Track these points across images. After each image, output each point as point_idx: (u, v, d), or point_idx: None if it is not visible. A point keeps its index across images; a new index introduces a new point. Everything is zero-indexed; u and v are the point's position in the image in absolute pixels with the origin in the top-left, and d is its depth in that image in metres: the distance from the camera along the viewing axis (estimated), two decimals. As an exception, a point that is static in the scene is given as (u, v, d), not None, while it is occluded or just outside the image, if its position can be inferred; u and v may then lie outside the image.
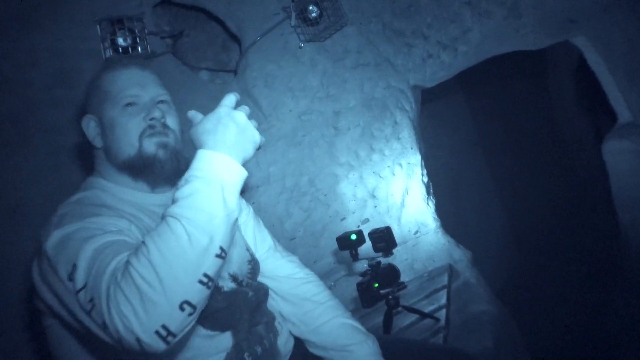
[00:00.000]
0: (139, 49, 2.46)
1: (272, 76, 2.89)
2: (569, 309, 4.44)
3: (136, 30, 2.47)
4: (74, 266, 1.02)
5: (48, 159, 2.60)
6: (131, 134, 1.29)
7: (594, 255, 5.01)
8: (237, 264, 1.40)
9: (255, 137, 1.13)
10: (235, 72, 3.02)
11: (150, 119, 1.31)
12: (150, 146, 1.29)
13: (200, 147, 1.07)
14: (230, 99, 1.13)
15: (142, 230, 1.21)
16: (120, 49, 2.45)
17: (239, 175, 1.08)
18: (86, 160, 1.42)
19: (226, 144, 1.07)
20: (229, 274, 1.36)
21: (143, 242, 0.97)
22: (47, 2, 2.52)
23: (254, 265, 1.48)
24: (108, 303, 0.93)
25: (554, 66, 6.09)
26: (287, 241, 2.91)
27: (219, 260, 0.99)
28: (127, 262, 0.95)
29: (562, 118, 6.53)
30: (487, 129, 5.90)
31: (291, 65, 2.90)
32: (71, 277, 1.02)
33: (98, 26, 2.49)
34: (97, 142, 1.33)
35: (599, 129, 5.64)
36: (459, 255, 2.99)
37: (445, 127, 5.29)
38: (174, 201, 1.01)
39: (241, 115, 1.11)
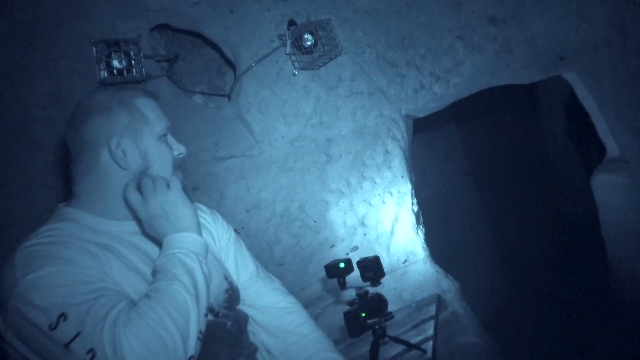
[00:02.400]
0: (134, 71, 2.48)
1: (265, 102, 2.91)
2: (557, 342, 4.42)
3: (132, 53, 2.49)
4: (63, 315, 1.00)
5: (37, 178, 2.58)
6: (169, 164, 1.33)
7: (582, 287, 5.01)
8: (213, 294, 1.34)
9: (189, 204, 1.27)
10: (229, 96, 3.04)
11: (179, 154, 1.38)
12: (180, 177, 1.35)
13: (160, 233, 1.22)
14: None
15: (122, 262, 1.20)
16: (115, 71, 2.46)
17: (202, 244, 1.24)
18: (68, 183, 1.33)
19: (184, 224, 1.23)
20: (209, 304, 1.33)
21: (150, 300, 1.07)
22: (43, 22, 2.54)
23: (231, 294, 1.43)
24: (118, 353, 0.97)
25: (545, 99, 6.18)
26: (276, 267, 2.90)
27: (206, 318, 1.16)
28: (138, 316, 1.02)
29: (552, 150, 6.60)
30: (478, 158, 5.95)
31: (285, 92, 2.93)
32: (54, 327, 1.00)
33: (94, 48, 2.50)
34: (125, 165, 1.27)
35: (589, 162, 5.70)
36: (448, 286, 2.98)
37: (437, 155, 5.32)
38: (160, 270, 1.14)
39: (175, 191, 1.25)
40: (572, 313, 4.78)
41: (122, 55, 2.47)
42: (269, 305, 1.52)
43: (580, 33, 2.80)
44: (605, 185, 3.37)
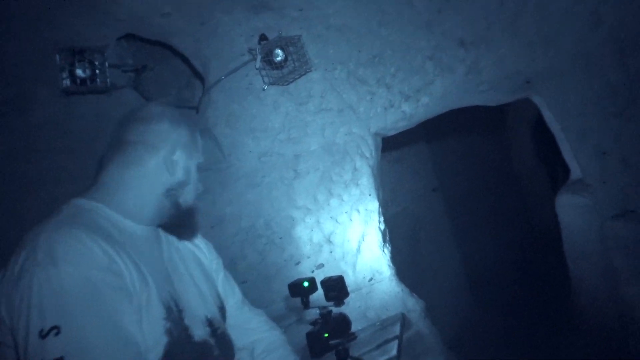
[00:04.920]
0: (98, 81, 2.43)
1: (234, 116, 2.88)
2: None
3: (97, 62, 2.44)
4: (56, 328, 0.96)
5: (-4, 187, 2.51)
6: (195, 191, 1.48)
7: (546, 306, 5.08)
8: (212, 306, 1.44)
9: None
10: (197, 109, 3.00)
11: (199, 190, 1.52)
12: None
13: None
14: None
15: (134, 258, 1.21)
16: (78, 80, 2.40)
17: None
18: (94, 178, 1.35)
19: None
20: (206, 317, 1.37)
21: None
22: (7, 26, 2.46)
23: (223, 313, 1.51)
24: None
25: (514, 120, 6.30)
26: (239, 284, 2.84)
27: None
28: None
29: (520, 169, 6.71)
30: (447, 176, 6.01)
31: (254, 106, 2.91)
32: (44, 335, 0.95)
33: (58, 55, 2.44)
34: (172, 172, 1.38)
35: (555, 182, 5.81)
36: (412, 304, 2.98)
37: (406, 172, 5.35)
38: None
39: None
40: (536, 332, 4.83)
41: (87, 64, 2.42)
42: (254, 328, 1.63)
43: (547, 58, 2.85)
44: (568, 206, 3.42)
